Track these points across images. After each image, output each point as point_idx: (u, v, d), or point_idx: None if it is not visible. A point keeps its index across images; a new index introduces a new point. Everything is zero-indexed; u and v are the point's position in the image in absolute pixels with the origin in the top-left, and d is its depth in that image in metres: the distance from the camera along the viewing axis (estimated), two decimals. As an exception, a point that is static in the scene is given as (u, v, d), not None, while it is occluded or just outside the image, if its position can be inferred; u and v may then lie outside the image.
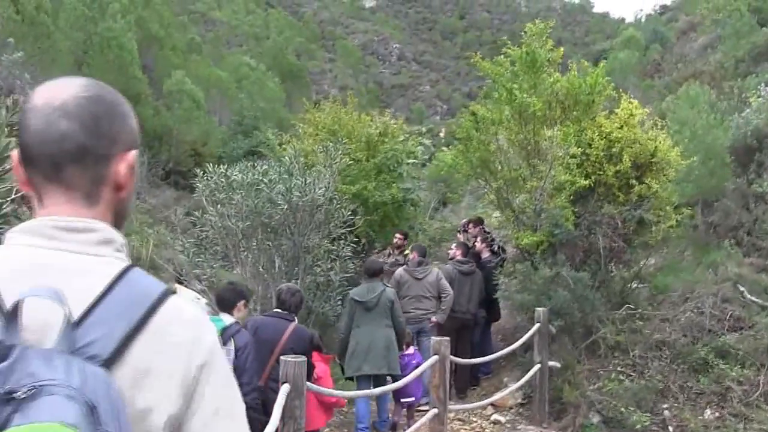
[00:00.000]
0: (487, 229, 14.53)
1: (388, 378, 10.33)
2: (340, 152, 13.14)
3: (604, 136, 12.77)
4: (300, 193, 11.68)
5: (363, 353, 10.15)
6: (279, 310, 7.81)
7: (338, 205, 12.61)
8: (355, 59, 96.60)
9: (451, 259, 13.10)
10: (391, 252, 14.34)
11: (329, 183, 12.41)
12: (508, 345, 11.77)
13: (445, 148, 16.02)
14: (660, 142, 12.94)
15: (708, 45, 34.27)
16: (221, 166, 12.50)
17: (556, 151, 12.20)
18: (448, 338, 8.97)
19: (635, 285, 13.21)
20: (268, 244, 12.06)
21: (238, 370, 5.96)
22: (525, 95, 12.55)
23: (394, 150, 16.49)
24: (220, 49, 52.40)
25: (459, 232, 15.45)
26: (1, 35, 17.43)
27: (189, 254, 12.20)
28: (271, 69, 48.72)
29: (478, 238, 13.75)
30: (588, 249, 12.59)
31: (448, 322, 12.03)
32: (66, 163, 1.55)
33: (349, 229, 12.92)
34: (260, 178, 11.87)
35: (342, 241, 12.76)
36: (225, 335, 6.19)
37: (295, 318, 7.84)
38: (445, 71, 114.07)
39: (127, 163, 1.63)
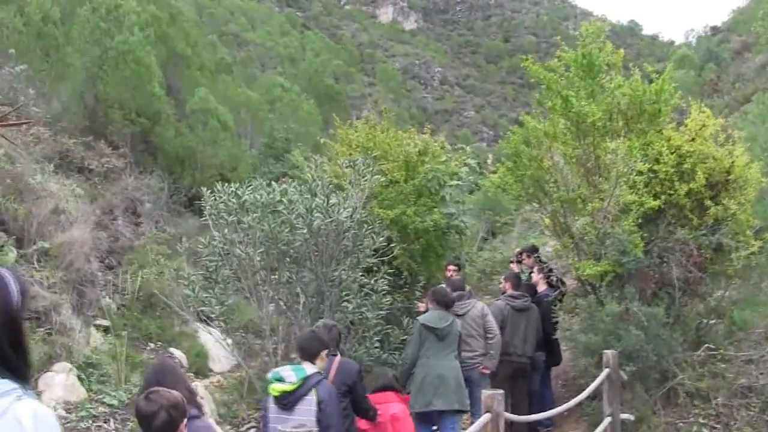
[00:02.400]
0: (543, 259, 12.80)
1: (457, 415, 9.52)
2: (371, 168, 11.46)
3: (673, 150, 11.09)
4: (322, 214, 9.98)
5: (433, 387, 9.10)
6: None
7: (369, 231, 10.89)
8: (395, 83, 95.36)
9: (503, 293, 11.37)
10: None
11: (357, 204, 10.70)
12: (571, 393, 10.16)
13: (492, 175, 14.35)
14: (737, 157, 11.22)
15: (766, 63, 32.91)
16: (231, 184, 10.79)
17: (620, 167, 10.52)
18: (501, 392, 7.34)
19: (711, 321, 11.42)
20: (290, 277, 10.46)
21: (322, 423, 5.83)
22: (583, 103, 10.90)
23: (436, 170, 14.89)
24: (252, 70, 51.21)
25: (512, 262, 13.74)
26: (4, 46, 16.13)
27: (195, 289, 10.51)
28: (306, 91, 47.46)
29: (534, 269, 12.04)
30: (659, 280, 10.86)
31: (501, 367, 10.44)
32: None
33: (382, 258, 11.20)
34: (278, 198, 10.16)
35: (377, 273, 11.06)
36: (306, 385, 6.01)
37: (338, 353, 7.51)
38: (490, 96, 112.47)
39: None
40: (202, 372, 13.67)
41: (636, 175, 10.66)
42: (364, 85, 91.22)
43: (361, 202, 10.85)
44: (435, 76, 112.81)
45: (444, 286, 11.23)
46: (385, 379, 8.28)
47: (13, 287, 2.32)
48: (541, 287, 11.79)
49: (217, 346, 13.75)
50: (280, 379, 6.02)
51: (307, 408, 5.95)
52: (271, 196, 10.14)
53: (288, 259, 10.31)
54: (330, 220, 9.90)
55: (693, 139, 11.17)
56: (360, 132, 15.86)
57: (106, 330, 12.42)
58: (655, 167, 11.02)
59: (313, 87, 51.79)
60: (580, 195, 11.24)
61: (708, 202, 10.99)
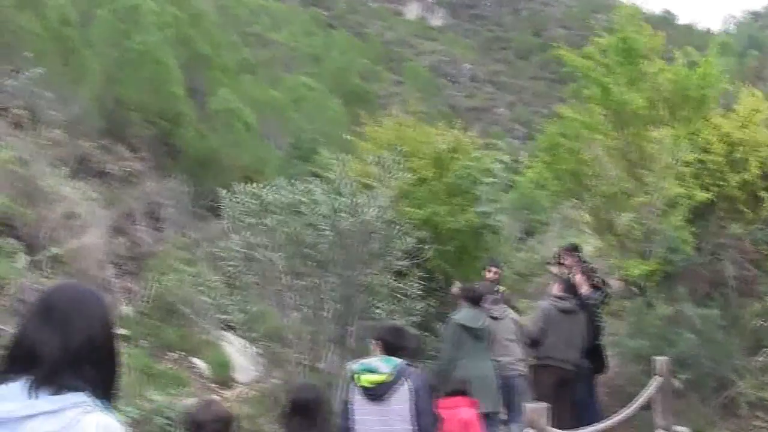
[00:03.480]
0: (584, 259, 11.96)
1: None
2: (401, 164, 10.74)
3: (723, 138, 10.30)
4: (348, 215, 9.27)
5: (477, 389, 8.36)
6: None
7: (400, 231, 10.16)
8: (424, 81, 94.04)
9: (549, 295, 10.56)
10: None
11: (386, 203, 9.96)
12: (618, 403, 9.29)
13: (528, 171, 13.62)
14: (792, 145, 10.45)
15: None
16: (252, 184, 10.04)
17: (666, 158, 9.75)
18: (545, 405, 6.68)
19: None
20: (315, 282, 9.74)
21: (416, 411, 5.83)
22: (623, 90, 10.15)
23: (468, 168, 14.17)
24: (275, 70, 50.58)
25: (551, 264, 12.88)
26: (21, 50, 15.67)
27: (215, 295, 9.79)
28: (332, 91, 46.92)
29: (574, 269, 11.18)
30: (712, 279, 10.06)
31: (545, 374, 9.70)
32: None
33: (414, 261, 10.45)
34: (300, 198, 9.42)
35: (409, 277, 10.31)
36: (398, 375, 5.89)
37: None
38: (522, 92, 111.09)
39: None
40: (226, 383, 13.08)
41: (684, 165, 9.89)
42: (392, 84, 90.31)
43: (389, 201, 10.10)
44: (464, 73, 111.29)
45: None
46: (456, 383, 7.99)
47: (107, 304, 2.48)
48: (584, 289, 10.93)
49: (242, 356, 13.13)
50: (372, 370, 5.92)
51: (402, 397, 5.87)
52: (294, 196, 9.40)
53: (313, 263, 9.57)
54: (357, 220, 9.16)
55: (744, 126, 10.38)
56: (388, 129, 15.23)
57: (125, 338, 11.86)
58: (704, 157, 10.28)
59: (339, 86, 50.95)
60: (623, 189, 10.50)
61: (763, 194, 10.23)
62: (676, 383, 8.95)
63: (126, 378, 10.70)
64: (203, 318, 11.45)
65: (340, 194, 9.73)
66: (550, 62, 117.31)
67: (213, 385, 12.54)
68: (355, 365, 6.18)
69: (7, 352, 2.35)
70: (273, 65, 53.28)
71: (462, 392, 7.83)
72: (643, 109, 10.29)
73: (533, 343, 9.90)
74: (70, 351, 2.31)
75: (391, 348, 6.25)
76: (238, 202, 9.68)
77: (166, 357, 12.57)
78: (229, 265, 10.11)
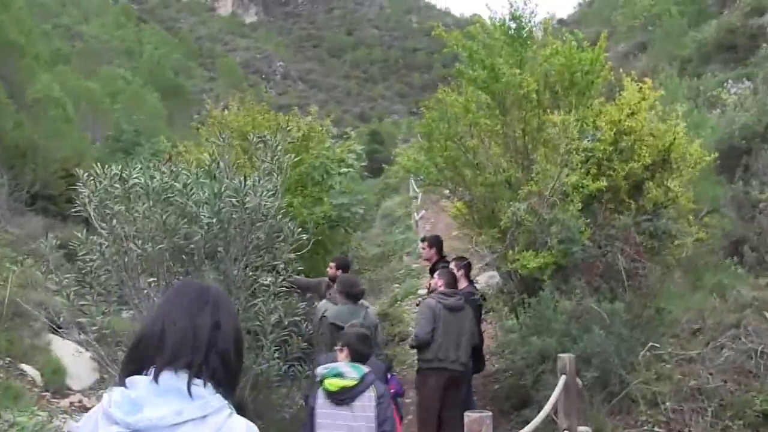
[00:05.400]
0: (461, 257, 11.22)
1: None
2: (285, 141, 9.71)
3: (611, 126, 9.90)
4: (237, 201, 8.14)
5: None
6: None
7: (288, 220, 9.11)
8: (236, 78, 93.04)
9: (432, 290, 9.80)
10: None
11: (278, 185, 8.89)
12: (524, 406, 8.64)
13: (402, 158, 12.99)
14: (677, 134, 10.15)
15: (628, 52, 33.06)
16: (114, 167, 8.66)
17: (565, 145, 9.21)
18: (488, 414, 5.98)
19: (653, 315, 10.23)
20: (179, 278, 8.57)
21: (379, 418, 5.98)
22: (518, 72, 9.57)
23: (322, 157, 13.43)
24: (89, 62, 48.58)
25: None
26: None
27: (69, 295, 8.43)
28: (148, 85, 46.02)
29: (453, 263, 10.47)
30: (604, 272, 9.61)
31: (433, 378, 8.98)
32: None
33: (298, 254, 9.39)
34: (171, 182, 8.20)
35: (284, 271, 9.23)
36: (365, 382, 6.06)
37: None
38: (334, 91, 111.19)
39: None
40: (61, 391, 11.98)
41: (576, 154, 9.40)
42: (205, 80, 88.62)
43: (280, 184, 9.02)
44: (277, 71, 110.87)
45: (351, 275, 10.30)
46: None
47: None
48: (463, 284, 10.25)
49: (76, 361, 12.40)
50: (340, 375, 6.01)
51: (367, 404, 5.98)
52: (165, 181, 8.18)
53: (183, 256, 8.40)
54: (249, 206, 8.05)
55: (633, 114, 9.99)
56: (236, 114, 14.40)
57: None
58: (592, 145, 9.81)
59: (154, 80, 50.26)
60: (510, 177, 9.92)
61: (649, 184, 9.89)
62: (580, 382, 8.40)
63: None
64: (32, 320, 10.16)
65: (213, 178, 8.67)
66: (362, 61, 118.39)
67: (46, 394, 11.57)
68: (323, 369, 6.15)
69: (146, 347, 2.24)
70: (87, 57, 51.22)
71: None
72: (534, 93, 9.73)
73: (422, 345, 9.14)
74: (219, 347, 2.26)
75: (357, 355, 6.44)
76: (97, 188, 8.38)
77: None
78: (83, 260, 8.77)
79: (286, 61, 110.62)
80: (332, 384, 6.01)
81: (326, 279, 10.65)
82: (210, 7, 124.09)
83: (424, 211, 27.15)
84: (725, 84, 19.34)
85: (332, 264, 10.80)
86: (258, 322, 8.51)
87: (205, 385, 2.18)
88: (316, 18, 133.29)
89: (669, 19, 29.24)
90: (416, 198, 30.06)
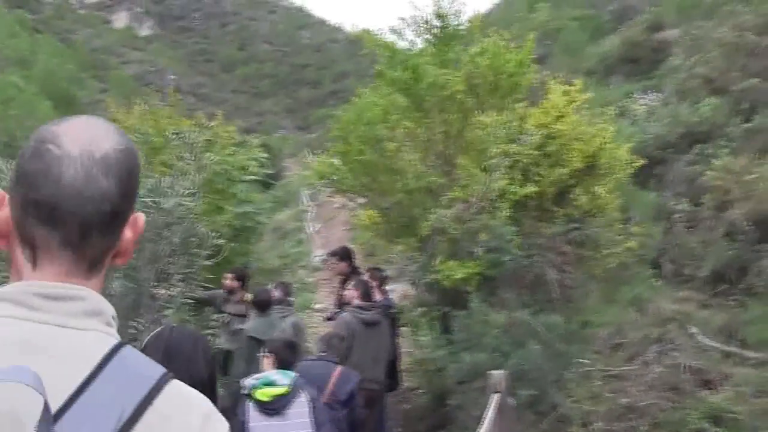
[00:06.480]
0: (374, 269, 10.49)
1: None
2: (203, 137, 8.90)
3: (538, 129, 9.43)
4: (153, 201, 7.19)
5: None
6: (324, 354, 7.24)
7: (206, 223, 8.31)
8: (129, 90, 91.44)
9: (345, 303, 9.05)
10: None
11: (196, 186, 8.02)
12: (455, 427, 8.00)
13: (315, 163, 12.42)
14: (606, 138, 9.75)
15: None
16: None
17: (490, 148, 8.66)
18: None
19: (581, 330, 9.75)
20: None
21: (317, 420, 5.73)
22: (445, 71, 9.00)
23: (224, 164, 12.72)
24: (-23, 70, 47.04)
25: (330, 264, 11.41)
26: None
27: None
28: (41, 94, 45.08)
29: (367, 275, 9.75)
30: (533, 283, 9.08)
31: (352, 396, 8.24)
32: (94, 227, 1.25)
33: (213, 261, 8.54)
34: None
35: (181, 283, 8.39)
36: (296, 387, 5.79)
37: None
38: (224, 105, 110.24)
39: (136, 227, 1.35)
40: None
41: (503, 157, 8.87)
42: (98, 91, 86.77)
43: (199, 184, 8.17)
44: (168, 84, 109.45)
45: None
46: None
47: None
48: (378, 296, 9.56)
49: None
50: (271, 383, 5.72)
51: (301, 410, 5.71)
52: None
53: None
54: (168, 205, 7.19)
55: (560, 117, 9.53)
56: (141, 116, 13.67)
57: None
58: (517, 149, 9.29)
59: (47, 90, 49.04)
60: (431, 183, 9.33)
61: (577, 191, 9.45)
62: (512, 401, 7.80)
63: None
64: None
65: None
66: (253, 76, 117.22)
67: None
68: (251, 381, 5.84)
69: None
70: (-26, 65, 49.64)
71: None
72: (460, 94, 9.16)
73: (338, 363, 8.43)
74: None
75: (284, 362, 6.19)
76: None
77: None
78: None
79: (178, 75, 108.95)
80: (264, 394, 5.71)
81: (221, 291, 9.85)
82: (106, 20, 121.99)
83: (320, 225, 26.74)
84: (632, 95, 19.71)
85: (229, 275, 10.01)
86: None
87: None
88: (209, 33, 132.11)
89: (568, 33, 29.67)
90: (308, 211, 29.63)
